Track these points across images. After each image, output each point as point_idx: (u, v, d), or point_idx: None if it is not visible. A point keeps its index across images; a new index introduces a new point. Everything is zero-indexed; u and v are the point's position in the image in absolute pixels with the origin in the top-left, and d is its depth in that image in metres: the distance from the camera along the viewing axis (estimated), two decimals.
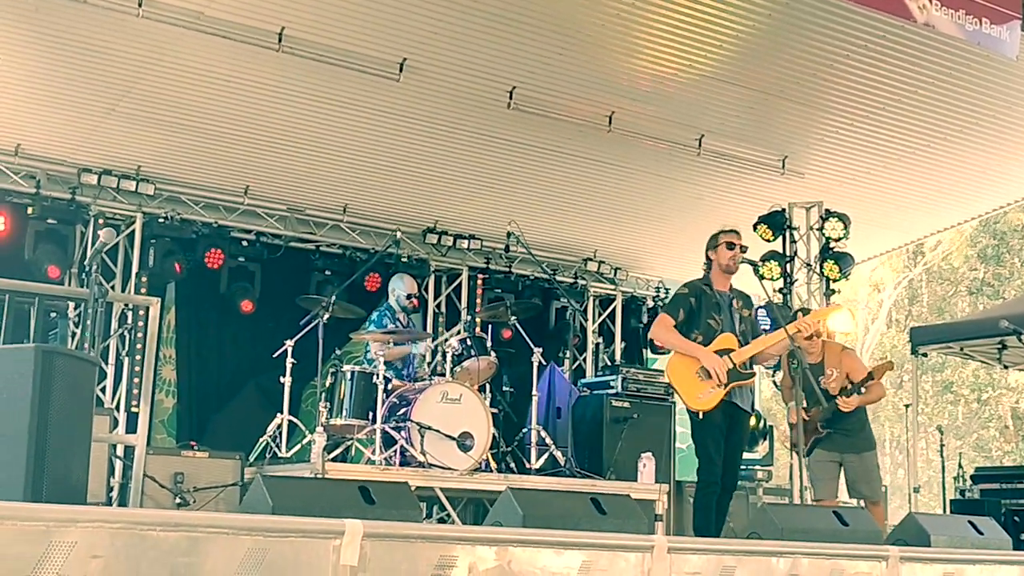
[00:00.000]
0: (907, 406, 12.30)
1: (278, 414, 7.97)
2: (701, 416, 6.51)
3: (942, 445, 11.46)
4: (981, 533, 6.04)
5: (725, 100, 9.14)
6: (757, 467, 10.63)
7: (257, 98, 8.65)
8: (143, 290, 9.44)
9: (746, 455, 8.10)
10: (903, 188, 10.89)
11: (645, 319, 12.52)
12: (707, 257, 6.88)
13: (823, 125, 9.64)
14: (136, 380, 9.10)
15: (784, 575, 4.77)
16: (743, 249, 6.86)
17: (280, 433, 7.91)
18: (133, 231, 9.72)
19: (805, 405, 7.72)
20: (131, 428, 8.29)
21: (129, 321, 9.38)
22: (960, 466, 11.43)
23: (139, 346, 9.17)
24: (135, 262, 9.70)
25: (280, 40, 7.77)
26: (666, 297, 12.36)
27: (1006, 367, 11.63)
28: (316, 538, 3.68)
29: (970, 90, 9.12)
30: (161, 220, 9.77)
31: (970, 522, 6.13)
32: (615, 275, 12.46)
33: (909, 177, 10.63)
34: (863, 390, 7.81)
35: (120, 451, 8.08)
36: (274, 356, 8.21)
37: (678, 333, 6.63)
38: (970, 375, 24.12)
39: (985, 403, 24.80)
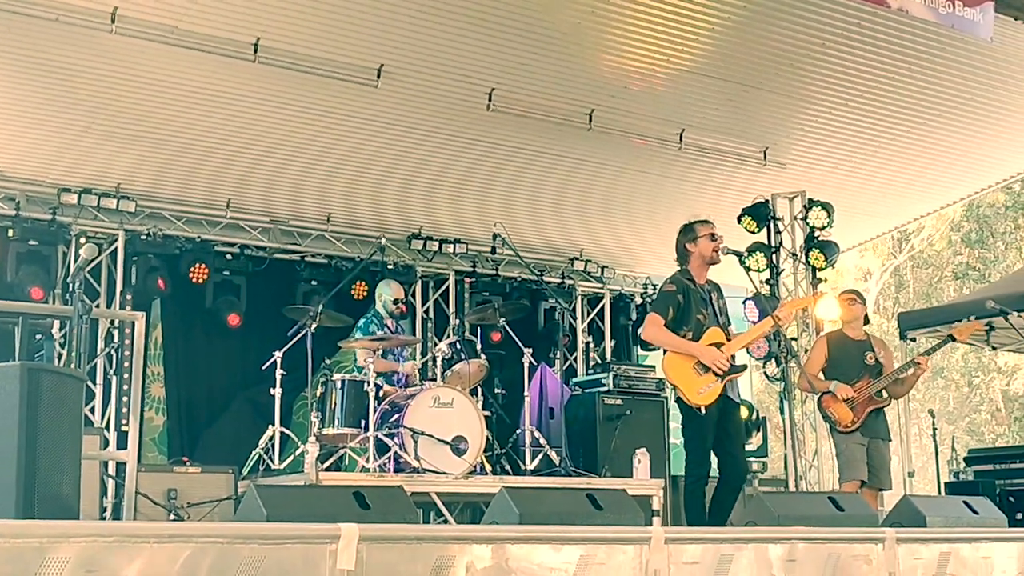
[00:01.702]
0: None
1: (270, 426, 7.96)
2: (704, 411, 6.49)
3: (935, 429, 11.42)
4: (976, 512, 6.05)
5: (704, 94, 9.15)
6: (752, 459, 10.62)
7: (235, 110, 8.63)
8: (128, 308, 9.39)
9: None
10: (885, 174, 10.91)
11: (634, 316, 12.52)
12: (684, 249, 6.82)
13: (803, 115, 9.66)
14: (125, 399, 9.05)
15: (781, 561, 4.76)
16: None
17: (272, 445, 7.89)
18: (115, 249, 9.68)
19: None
20: (121, 447, 8.24)
21: (115, 340, 9.34)
22: (954, 449, 11.43)
23: (126, 364, 9.13)
24: (119, 280, 9.65)
25: (256, 51, 7.75)
26: (654, 293, 12.35)
27: (994, 348, 11.64)
28: (312, 543, 3.66)
29: (947, 74, 9.15)
30: (143, 237, 9.73)
31: (965, 502, 6.14)
32: (602, 273, 12.45)
33: (890, 163, 10.66)
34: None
35: (112, 469, 8.04)
36: (263, 368, 8.20)
37: (670, 332, 6.60)
38: (960, 359, 24.13)
39: (976, 387, 24.82)
